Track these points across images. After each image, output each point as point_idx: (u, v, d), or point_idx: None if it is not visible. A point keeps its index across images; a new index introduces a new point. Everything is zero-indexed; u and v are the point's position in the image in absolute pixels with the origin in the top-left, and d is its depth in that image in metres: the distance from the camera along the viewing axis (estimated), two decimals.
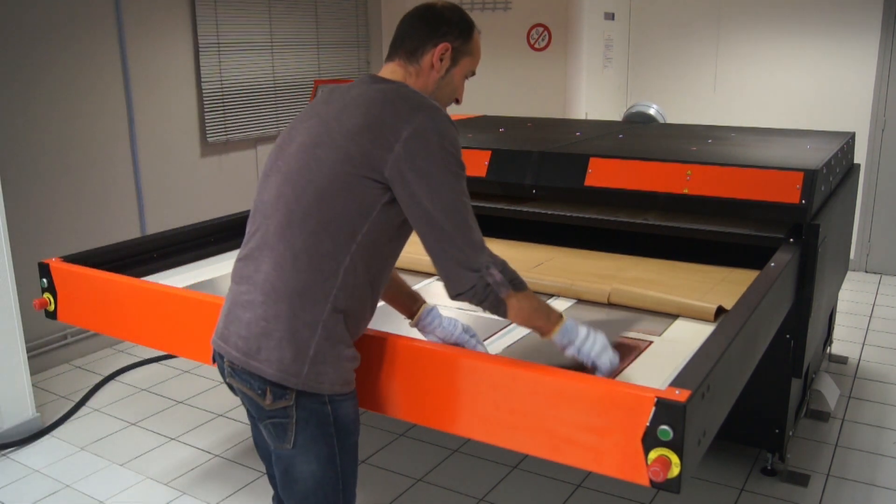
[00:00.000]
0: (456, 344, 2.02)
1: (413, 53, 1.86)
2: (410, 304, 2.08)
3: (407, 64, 1.87)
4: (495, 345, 2.23)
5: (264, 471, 2.07)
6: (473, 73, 1.95)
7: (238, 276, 1.82)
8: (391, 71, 1.88)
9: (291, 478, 1.80)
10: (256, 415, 1.79)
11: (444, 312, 2.08)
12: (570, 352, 1.89)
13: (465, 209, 1.70)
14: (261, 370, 1.71)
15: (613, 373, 1.93)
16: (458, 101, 1.96)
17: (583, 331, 1.90)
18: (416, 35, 1.86)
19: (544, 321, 1.86)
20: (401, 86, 1.80)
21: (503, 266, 1.74)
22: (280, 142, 1.86)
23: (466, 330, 2.05)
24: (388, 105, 1.72)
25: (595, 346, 1.89)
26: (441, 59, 1.85)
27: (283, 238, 1.71)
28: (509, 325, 2.39)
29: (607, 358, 1.90)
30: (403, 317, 2.10)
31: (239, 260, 1.85)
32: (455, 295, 1.72)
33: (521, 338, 2.28)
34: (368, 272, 1.75)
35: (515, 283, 1.75)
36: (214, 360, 1.90)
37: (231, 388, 1.88)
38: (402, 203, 1.69)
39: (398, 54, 1.88)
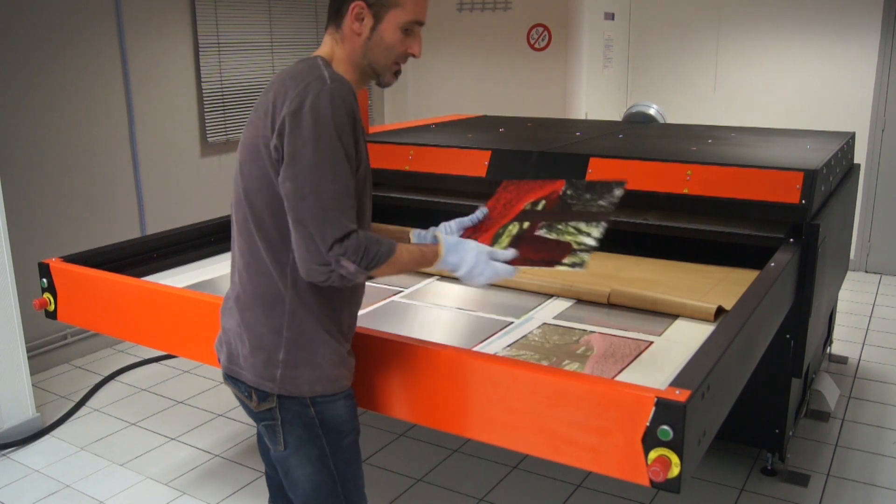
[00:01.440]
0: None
1: (337, 18, 1.72)
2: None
3: (335, 30, 1.73)
4: (494, 345, 2.22)
5: (264, 470, 2.07)
6: (421, 23, 1.74)
7: (231, 280, 1.85)
8: (324, 43, 1.76)
9: (292, 481, 1.80)
10: (250, 416, 1.80)
11: (445, 314, 2.07)
12: (459, 273, 1.81)
13: (326, 198, 1.54)
14: (241, 375, 1.73)
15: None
16: (414, 55, 1.78)
17: (467, 257, 1.79)
18: None
19: (417, 265, 1.74)
20: (308, 62, 1.66)
21: (360, 250, 1.56)
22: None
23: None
24: (280, 86, 1.61)
25: (465, 254, 1.79)
26: (359, 20, 1.69)
27: (238, 245, 1.73)
28: (507, 325, 2.39)
29: (491, 272, 1.81)
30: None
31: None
32: (306, 269, 1.58)
33: (522, 337, 2.28)
34: None
35: (375, 260, 1.59)
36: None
37: None
38: (280, 178, 1.58)
39: (329, 20, 1.75)
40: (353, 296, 1.76)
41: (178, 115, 5.11)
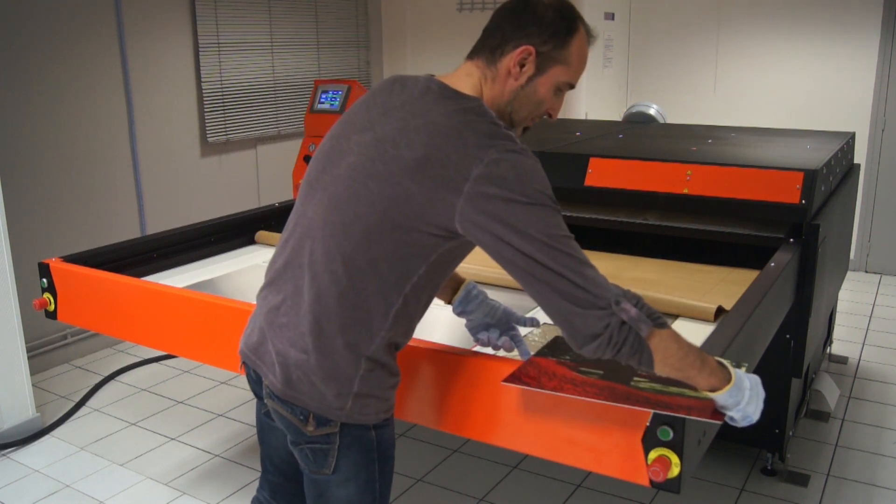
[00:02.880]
0: (501, 335, 1.86)
1: (493, 53, 1.59)
2: (448, 284, 1.87)
3: (486, 65, 1.61)
4: None
5: (264, 477, 2.04)
6: (572, 87, 1.63)
7: (274, 289, 1.67)
8: (467, 72, 1.63)
9: (324, 501, 1.70)
10: (294, 439, 1.66)
11: (444, 314, 2.05)
12: (733, 413, 1.53)
13: (569, 245, 1.42)
14: (302, 401, 1.59)
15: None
16: (550, 116, 1.67)
17: (746, 384, 1.54)
18: (500, 31, 1.59)
19: (698, 371, 1.49)
20: (473, 107, 1.52)
21: (637, 299, 1.41)
22: (328, 150, 1.65)
23: (508, 317, 1.87)
24: (455, 136, 1.45)
25: (756, 409, 1.54)
26: (521, 65, 1.57)
27: (329, 271, 1.54)
28: None
29: (756, 415, 1.56)
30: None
31: (274, 269, 1.69)
32: (585, 345, 1.40)
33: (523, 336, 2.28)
34: (419, 303, 1.61)
35: (655, 318, 1.42)
36: (242, 368, 1.80)
37: (260, 397, 1.77)
38: (491, 252, 1.45)
39: (480, 51, 1.62)
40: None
41: (178, 116, 5.11)
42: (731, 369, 1.53)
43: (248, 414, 3.82)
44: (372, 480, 1.68)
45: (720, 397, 1.51)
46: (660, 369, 1.45)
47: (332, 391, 1.57)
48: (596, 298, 1.38)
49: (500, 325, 1.88)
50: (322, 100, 4.08)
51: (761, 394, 1.56)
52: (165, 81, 5.00)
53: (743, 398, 1.51)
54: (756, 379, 1.58)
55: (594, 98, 6.30)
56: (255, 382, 1.77)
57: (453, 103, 1.53)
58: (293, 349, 1.59)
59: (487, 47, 1.61)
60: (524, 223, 1.40)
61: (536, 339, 2.27)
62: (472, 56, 1.64)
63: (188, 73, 5.14)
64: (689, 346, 1.48)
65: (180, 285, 2.67)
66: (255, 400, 1.87)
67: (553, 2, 1.58)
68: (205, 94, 5.23)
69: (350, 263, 1.52)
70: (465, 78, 1.62)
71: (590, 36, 1.62)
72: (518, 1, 1.59)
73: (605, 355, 1.41)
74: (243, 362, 1.79)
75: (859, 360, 4.48)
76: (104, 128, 4.66)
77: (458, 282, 1.87)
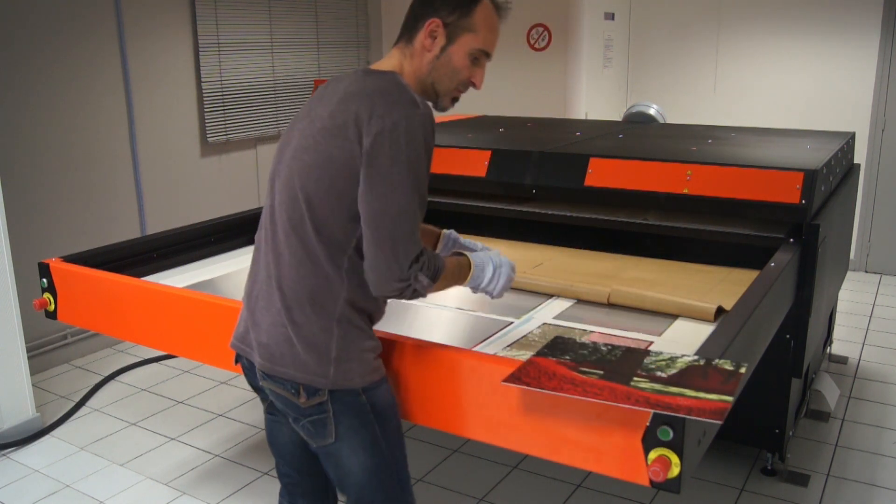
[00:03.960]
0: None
1: (409, 33, 1.77)
2: (428, 238, 2.11)
3: (405, 45, 1.78)
4: (494, 345, 2.22)
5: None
6: (488, 56, 1.79)
7: (252, 279, 1.84)
8: (389, 56, 1.80)
9: (344, 472, 1.81)
10: (294, 414, 1.77)
11: (445, 314, 2.07)
12: (478, 290, 1.93)
13: (409, 219, 1.63)
14: (288, 374, 1.72)
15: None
16: (474, 86, 1.82)
17: (488, 273, 1.91)
18: (411, 12, 1.78)
19: (453, 282, 1.85)
20: (389, 78, 1.70)
21: (430, 265, 1.69)
22: (280, 144, 1.84)
23: (483, 249, 2.07)
24: (366, 100, 1.64)
25: (497, 285, 1.92)
26: (433, 37, 1.74)
27: (288, 245, 1.71)
28: (507, 326, 2.39)
29: (501, 274, 1.92)
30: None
31: (252, 262, 1.86)
32: (378, 286, 1.67)
33: (522, 337, 2.28)
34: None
35: (437, 273, 1.72)
36: (237, 363, 1.92)
37: (259, 389, 1.89)
38: (358, 196, 1.64)
39: (400, 36, 1.80)
40: None
41: (178, 115, 5.11)
42: (471, 261, 1.88)
43: (248, 414, 3.82)
44: (376, 442, 1.77)
45: (467, 284, 1.89)
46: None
47: (313, 359, 1.69)
48: (402, 273, 1.64)
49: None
50: None
51: (504, 271, 1.92)
52: (165, 81, 5.00)
53: (483, 279, 1.90)
54: (500, 261, 1.93)
55: (594, 98, 6.30)
56: (251, 372, 1.87)
57: (372, 78, 1.71)
58: (272, 327, 1.73)
59: (405, 30, 1.78)
60: (388, 186, 1.61)
61: (537, 339, 2.27)
62: (396, 43, 1.81)
63: (188, 73, 5.14)
64: (449, 277, 1.79)
65: (180, 285, 2.67)
66: (256, 399, 1.91)
67: None
68: (205, 94, 5.23)
69: (301, 233, 1.69)
70: (386, 61, 1.79)
71: (497, 6, 1.77)
72: None
73: (392, 297, 1.71)
74: (237, 356, 1.90)
75: (859, 360, 4.48)
76: (104, 128, 4.66)
77: (437, 234, 2.13)
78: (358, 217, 1.66)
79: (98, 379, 4.30)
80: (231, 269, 3.04)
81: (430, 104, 1.73)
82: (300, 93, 5.98)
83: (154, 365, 4.50)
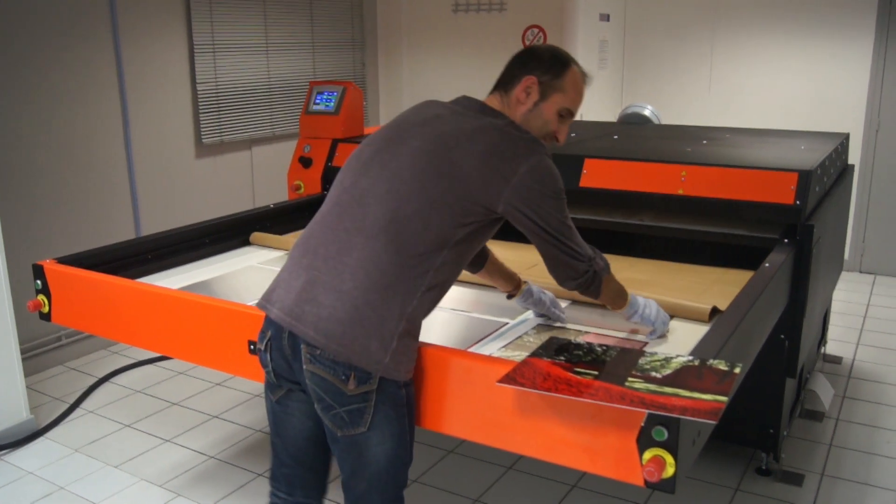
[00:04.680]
0: (548, 314, 2.41)
1: (506, 87, 2.00)
2: (508, 283, 2.36)
3: (502, 96, 2.00)
4: (489, 346, 2.23)
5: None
6: (572, 115, 2.03)
7: (316, 253, 1.86)
8: (490, 101, 2.01)
9: (365, 461, 1.86)
10: (331, 402, 1.81)
11: (440, 315, 2.08)
12: (635, 319, 2.23)
13: (571, 226, 1.95)
14: (348, 356, 1.76)
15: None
16: (557, 140, 2.04)
17: (640, 300, 2.23)
18: (510, 69, 2.01)
19: (620, 300, 2.18)
20: (510, 122, 1.94)
21: (601, 256, 2.06)
22: (387, 135, 1.98)
23: (553, 303, 2.41)
24: (509, 141, 1.88)
25: (651, 310, 2.24)
26: (527, 93, 1.96)
27: (386, 231, 1.80)
28: (502, 326, 2.39)
29: (661, 320, 2.26)
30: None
31: (312, 237, 1.91)
32: (568, 281, 2.00)
33: (517, 338, 2.28)
34: (451, 273, 1.90)
35: (608, 269, 2.08)
36: (267, 340, 1.90)
37: (280, 371, 1.90)
38: (522, 227, 1.91)
39: (496, 88, 2.03)
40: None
41: (173, 117, 5.10)
42: (629, 294, 2.21)
43: (243, 415, 3.82)
44: (404, 433, 1.88)
45: (625, 311, 2.22)
46: (601, 299, 2.13)
47: (376, 343, 1.76)
48: (581, 255, 1.98)
49: (543, 312, 2.44)
50: (317, 101, 4.06)
51: (652, 305, 2.27)
52: (160, 83, 4.99)
53: (639, 308, 2.23)
54: (650, 302, 2.28)
55: (589, 99, 6.28)
56: (284, 355, 1.86)
57: (495, 118, 1.95)
58: (343, 303, 1.78)
59: (502, 84, 2.02)
60: (548, 211, 1.89)
61: (532, 339, 2.27)
62: (491, 92, 2.04)
63: (183, 75, 5.13)
64: (620, 287, 2.17)
65: (175, 287, 2.67)
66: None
67: (548, 46, 2.05)
68: (199, 96, 5.22)
69: (407, 226, 1.81)
70: (490, 102, 2.02)
71: (583, 74, 2.04)
72: (523, 50, 2.07)
73: (578, 289, 2.04)
74: (272, 333, 1.88)
75: (853, 360, 4.49)
76: (99, 129, 4.65)
77: (517, 282, 2.38)
78: (469, 226, 1.84)
79: (92, 381, 4.29)
80: (226, 271, 3.03)
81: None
82: (295, 94, 5.98)
83: (149, 366, 4.49)
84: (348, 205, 1.89)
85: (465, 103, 2.00)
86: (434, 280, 1.84)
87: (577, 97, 2.03)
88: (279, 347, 1.87)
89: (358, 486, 1.91)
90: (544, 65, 1.98)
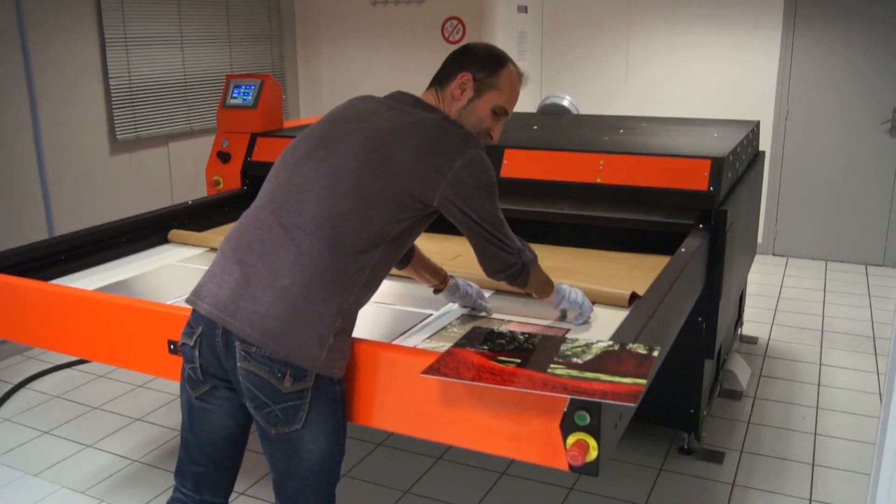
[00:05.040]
0: (474, 306, 2.42)
1: (442, 83, 2.02)
2: (435, 277, 2.36)
3: (438, 91, 2.02)
4: (414, 338, 2.23)
5: (202, 471, 2.01)
6: (507, 114, 2.06)
7: (251, 248, 1.84)
8: (426, 97, 2.04)
9: (299, 458, 1.85)
10: (265, 400, 1.79)
11: (364, 308, 2.07)
12: (562, 305, 2.30)
13: (502, 219, 1.98)
14: (285, 354, 1.75)
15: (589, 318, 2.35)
16: (490, 138, 2.06)
17: (566, 287, 2.30)
18: (447, 66, 2.04)
19: (548, 288, 2.24)
20: (445, 116, 1.96)
21: (529, 248, 2.09)
22: (321, 131, 1.96)
23: (479, 295, 2.42)
24: (445, 136, 1.89)
25: (577, 295, 2.31)
26: (462, 89, 1.98)
27: (324, 228, 1.79)
28: (426, 318, 2.40)
29: (587, 305, 2.33)
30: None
31: (246, 232, 1.88)
32: (497, 273, 2.03)
33: (441, 329, 2.29)
34: (386, 268, 1.91)
35: (535, 261, 2.11)
36: (196, 336, 1.85)
37: (206, 367, 1.86)
38: (455, 220, 1.93)
39: (433, 84, 2.04)
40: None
41: (85, 113, 4.95)
42: (555, 283, 2.27)
43: (167, 417, 3.74)
44: (338, 430, 1.88)
45: (552, 299, 2.28)
46: (528, 289, 2.18)
47: (313, 340, 1.76)
48: (511, 247, 2.01)
49: (470, 305, 2.46)
50: (234, 94, 3.99)
51: (578, 291, 2.33)
52: (71, 78, 4.84)
53: (565, 295, 2.29)
54: (575, 289, 2.34)
55: None
56: (215, 351, 1.83)
57: (431, 112, 1.97)
58: (280, 300, 1.76)
59: (438, 80, 2.04)
60: (481, 204, 1.92)
61: (455, 330, 2.28)
62: (427, 88, 2.06)
63: (95, 69, 4.98)
64: (546, 277, 2.23)
65: (91, 287, 2.60)
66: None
67: (484, 45, 2.08)
68: (112, 91, 5.08)
69: (345, 223, 1.80)
70: (426, 98, 2.04)
71: (520, 73, 2.07)
72: (460, 47, 2.07)
73: (507, 280, 2.06)
74: (203, 328, 1.84)
75: (769, 339, 4.64)
76: (7, 126, 4.48)
77: (444, 276, 2.38)
78: (405, 220, 1.86)
79: (8, 387, 4.14)
80: (144, 270, 2.96)
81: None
82: (212, 88, 5.87)
83: (66, 371, 4.36)
84: (284, 200, 1.86)
85: (399, 98, 2.01)
86: (370, 276, 1.84)
87: (513, 95, 2.05)
88: (210, 344, 1.84)
89: (291, 485, 1.89)
90: (480, 62, 2.00)
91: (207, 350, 1.85)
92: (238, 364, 1.79)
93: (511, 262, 2.02)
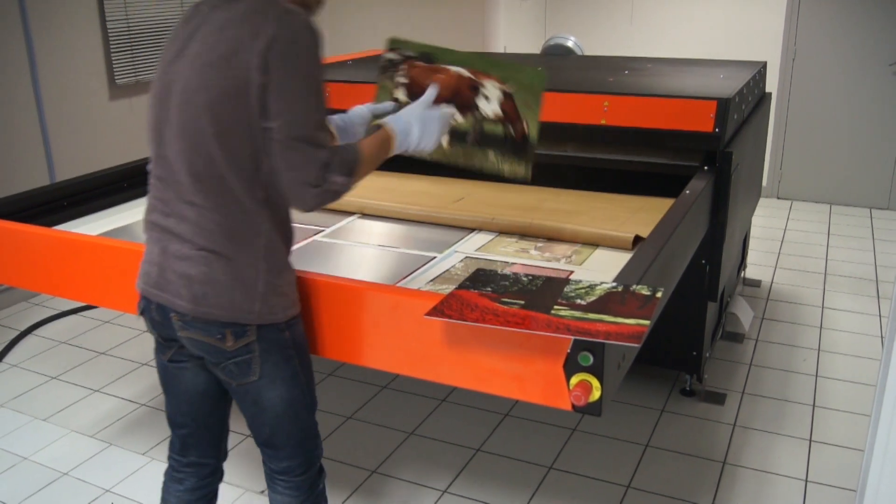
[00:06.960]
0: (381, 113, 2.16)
1: None
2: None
3: None
4: (417, 280, 2.23)
5: (184, 430, 2.03)
6: None
7: (156, 226, 1.78)
8: None
9: (261, 407, 1.84)
10: (215, 360, 1.78)
11: (367, 251, 2.06)
12: (411, 149, 1.99)
13: (316, 123, 1.66)
14: (214, 315, 1.71)
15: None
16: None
17: (414, 133, 1.96)
18: None
19: (383, 157, 1.90)
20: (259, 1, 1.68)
21: (342, 164, 1.69)
22: (158, 91, 1.77)
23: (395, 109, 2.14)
24: (245, 23, 1.63)
25: (431, 139, 1.99)
26: None
27: (198, 190, 1.68)
28: (430, 261, 2.40)
29: (437, 139, 2.01)
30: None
31: (154, 211, 1.80)
32: (303, 209, 1.71)
33: (444, 272, 2.29)
34: (279, 190, 1.72)
35: (353, 168, 1.72)
36: (142, 311, 1.86)
37: (169, 340, 1.85)
38: (262, 117, 1.64)
39: None
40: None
41: (83, 57, 4.89)
42: (390, 131, 1.91)
43: None
44: (295, 375, 1.84)
45: (398, 146, 1.93)
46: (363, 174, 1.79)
47: (240, 293, 1.70)
48: (314, 178, 1.65)
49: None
50: None
51: (436, 123, 2.00)
52: (68, 21, 4.77)
53: (411, 142, 1.94)
54: (426, 115, 1.99)
55: (512, 31, 6.27)
56: (160, 323, 1.82)
57: (240, 2, 1.68)
58: (194, 265, 1.71)
59: None
60: (289, 95, 1.62)
61: (459, 272, 2.29)
62: None
63: (91, 13, 4.91)
64: (373, 157, 1.82)
65: (95, 233, 2.60)
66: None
67: None
68: (110, 34, 5.01)
69: (211, 175, 1.67)
70: None
71: None
72: None
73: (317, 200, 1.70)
74: (143, 305, 1.85)
75: (772, 282, 4.65)
76: (3, 71, 4.44)
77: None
78: (265, 164, 1.67)
79: (14, 334, 4.18)
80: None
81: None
82: None
83: (73, 317, 4.39)
84: (164, 174, 1.76)
85: None
86: (271, 208, 1.72)
87: None
88: (153, 318, 1.83)
89: (262, 431, 1.89)
90: None
91: (157, 321, 1.84)
92: (178, 333, 1.79)
93: (313, 200, 1.69)
